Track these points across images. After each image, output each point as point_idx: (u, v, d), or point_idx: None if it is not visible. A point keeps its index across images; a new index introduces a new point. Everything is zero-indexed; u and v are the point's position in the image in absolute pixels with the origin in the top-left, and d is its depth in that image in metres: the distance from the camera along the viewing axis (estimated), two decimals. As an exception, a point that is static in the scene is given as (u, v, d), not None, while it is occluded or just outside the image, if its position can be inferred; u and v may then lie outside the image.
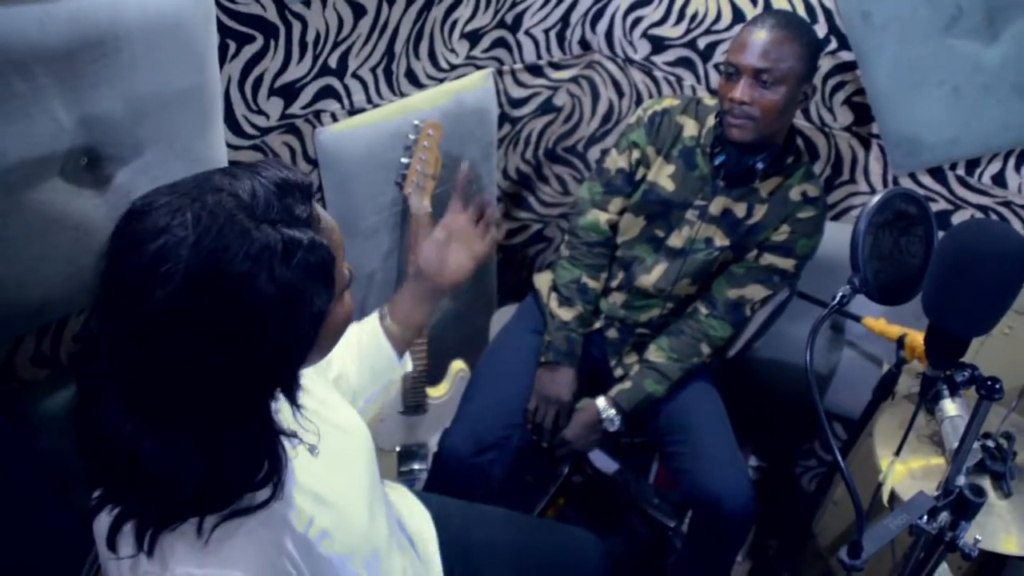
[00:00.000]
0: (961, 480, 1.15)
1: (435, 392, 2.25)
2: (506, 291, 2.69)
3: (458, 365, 2.28)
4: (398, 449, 2.22)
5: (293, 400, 0.94)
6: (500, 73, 2.30)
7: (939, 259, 1.06)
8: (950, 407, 1.32)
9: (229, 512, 0.89)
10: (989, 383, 1.05)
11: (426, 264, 1.46)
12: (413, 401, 2.21)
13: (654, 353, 1.94)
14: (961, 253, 1.04)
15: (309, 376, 1.18)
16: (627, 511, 2.37)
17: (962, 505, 1.13)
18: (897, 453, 1.21)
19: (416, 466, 2.22)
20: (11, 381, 1.63)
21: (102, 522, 0.91)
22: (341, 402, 1.25)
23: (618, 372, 2.02)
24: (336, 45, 1.87)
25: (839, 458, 0.93)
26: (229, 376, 0.83)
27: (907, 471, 1.52)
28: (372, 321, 1.48)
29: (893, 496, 1.46)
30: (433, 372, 2.24)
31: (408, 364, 1.52)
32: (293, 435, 0.97)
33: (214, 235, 0.79)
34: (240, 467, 0.89)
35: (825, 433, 0.93)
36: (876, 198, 1.12)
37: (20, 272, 1.47)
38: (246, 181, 0.84)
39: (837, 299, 1.08)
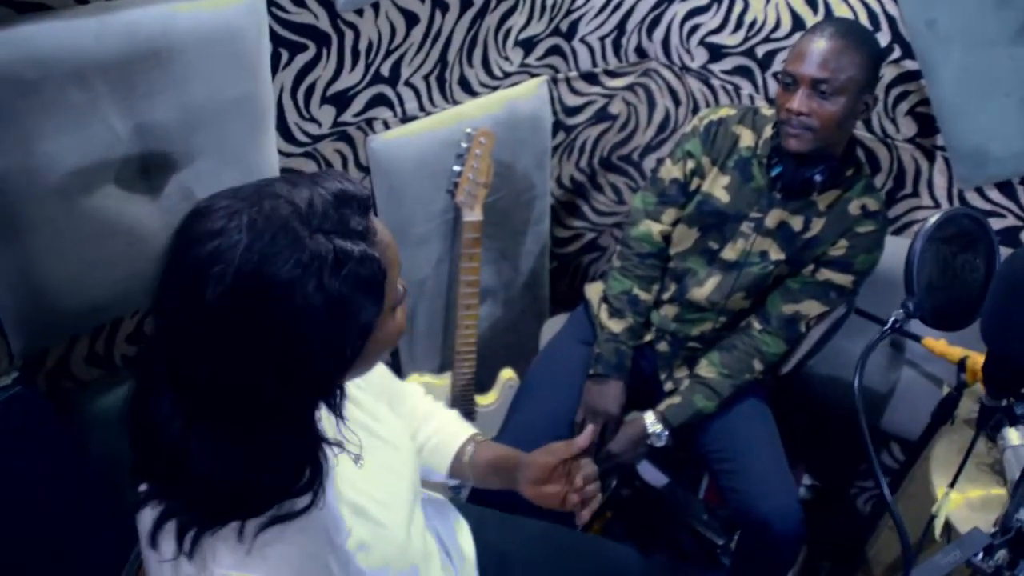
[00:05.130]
0: (1022, 516, 1.09)
1: (484, 400, 2.25)
2: (558, 300, 2.67)
3: (507, 374, 2.27)
4: (445, 457, 2.22)
5: (335, 410, 0.95)
6: (555, 81, 2.29)
7: (1000, 284, 1.01)
8: (1013, 436, 1.26)
9: (270, 518, 0.90)
10: (1053, 417, 1.00)
11: (534, 470, 1.34)
12: (462, 409, 2.20)
13: (705, 368, 1.90)
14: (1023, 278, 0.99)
15: (360, 387, 1.19)
16: (675, 527, 2.33)
17: (1021, 543, 1.08)
18: (952, 484, 1.15)
19: (464, 474, 2.21)
20: (65, 380, 1.67)
21: (146, 517, 0.92)
22: (390, 416, 1.25)
23: (668, 386, 1.99)
24: (389, 53, 1.87)
25: (887, 493, 0.89)
26: (272, 380, 0.84)
27: (964, 500, 1.45)
28: (465, 431, 1.45)
29: (948, 527, 1.40)
30: (482, 380, 2.23)
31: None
32: (336, 444, 0.98)
33: (267, 240, 0.80)
34: (280, 472, 0.90)
35: (874, 467, 0.90)
36: (934, 218, 1.07)
37: (75, 275, 1.51)
38: (305, 190, 0.86)
39: (889, 324, 1.04)
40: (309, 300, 0.81)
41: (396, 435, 1.22)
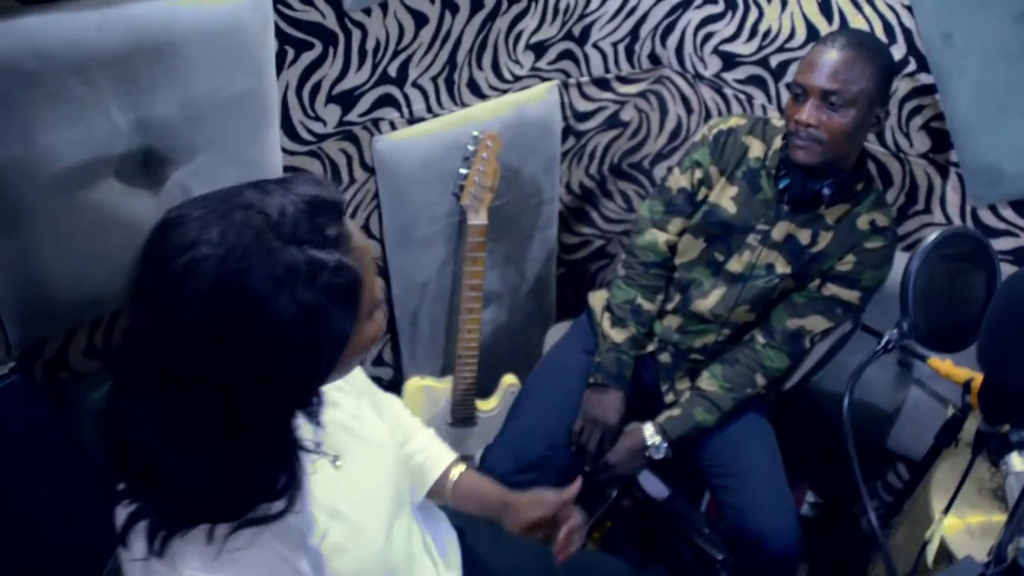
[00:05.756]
0: (1018, 546, 1.06)
1: (485, 405, 2.23)
2: (565, 307, 2.65)
3: (509, 379, 2.26)
4: (444, 461, 2.20)
5: (313, 418, 0.94)
6: (566, 86, 2.26)
7: (998, 306, 0.98)
8: (1017, 462, 1.22)
9: (241, 521, 0.89)
10: (1049, 445, 0.97)
11: (521, 517, 1.34)
12: (462, 413, 2.19)
13: (706, 381, 1.87)
14: (1022, 300, 0.95)
15: (343, 389, 1.18)
16: (675, 539, 2.30)
17: (1017, 575, 1.04)
18: (946, 511, 1.12)
19: (463, 479, 2.20)
20: (63, 371, 1.67)
21: (120, 515, 0.92)
22: (372, 416, 1.24)
23: (669, 398, 1.96)
24: (396, 54, 1.86)
25: (874, 520, 0.86)
26: (246, 391, 0.83)
27: (964, 526, 1.41)
28: (449, 455, 1.45)
29: (945, 552, 1.36)
30: (485, 385, 2.21)
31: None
32: (313, 450, 0.97)
33: (239, 254, 0.79)
34: (255, 479, 0.89)
35: (862, 496, 0.87)
36: (932, 236, 1.04)
37: (73, 267, 1.51)
38: (276, 198, 0.84)
39: (882, 344, 1.01)
40: (283, 313, 0.80)
41: (378, 435, 1.21)
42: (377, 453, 1.19)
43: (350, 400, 1.19)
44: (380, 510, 1.15)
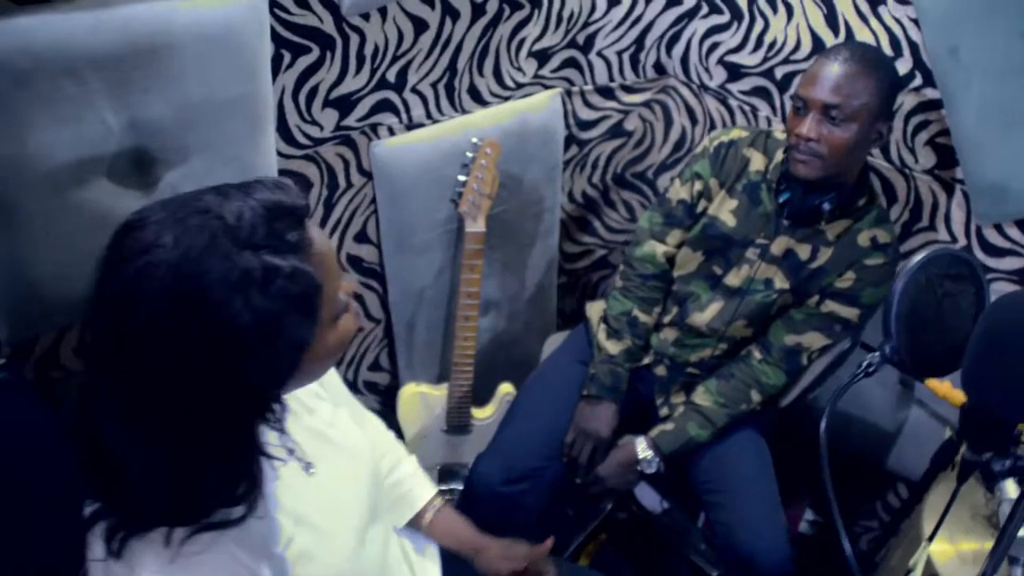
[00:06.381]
0: None
1: (480, 413, 2.22)
2: (566, 316, 2.63)
3: (506, 388, 2.24)
4: (438, 467, 2.19)
5: (275, 424, 0.93)
6: (569, 94, 2.25)
7: (984, 331, 0.95)
8: (1011, 489, 1.20)
9: (200, 525, 0.88)
10: (1033, 474, 0.94)
11: (493, 567, 1.38)
12: (457, 421, 2.18)
13: (701, 396, 1.84)
14: (1008, 325, 0.93)
15: (319, 395, 1.18)
16: (670, 554, 2.27)
17: (999, 606, 1.02)
18: (930, 538, 1.09)
19: (456, 486, 2.19)
20: (54, 369, 1.67)
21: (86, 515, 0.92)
22: (349, 424, 1.23)
23: (664, 412, 1.93)
24: (395, 59, 1.85)
25: (849, 555, 0.84)
26: (205, 397, 0.82)
27: (955, 552, 1.38)
28: (430, 488, 1.47)
29: (935, 579, 1.33)
30: (481, 393, 2.20)
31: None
32: (282, 458, 0.97)
33: (194, 259, 0.79)
34: (213, 484, 0.88)
35: (836, 523, 0.85)
36: (918, 256, 1.01)
37: (65, 265, 1.50)
38: (235, 203, 0.84)
39: (863, 368, 0.99)
40: (237, 319, 0.79)
41: (354, 444, 1.20)
42: (352, 461, 1.19)
43: (327, 407, 1.19)
44: (351, 518, 1.15)
